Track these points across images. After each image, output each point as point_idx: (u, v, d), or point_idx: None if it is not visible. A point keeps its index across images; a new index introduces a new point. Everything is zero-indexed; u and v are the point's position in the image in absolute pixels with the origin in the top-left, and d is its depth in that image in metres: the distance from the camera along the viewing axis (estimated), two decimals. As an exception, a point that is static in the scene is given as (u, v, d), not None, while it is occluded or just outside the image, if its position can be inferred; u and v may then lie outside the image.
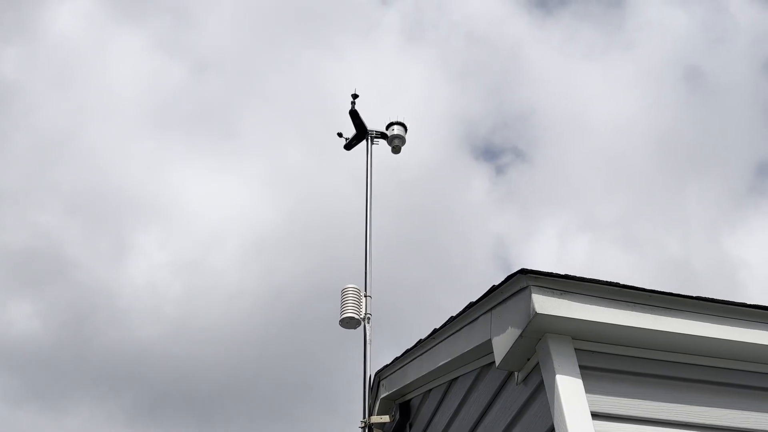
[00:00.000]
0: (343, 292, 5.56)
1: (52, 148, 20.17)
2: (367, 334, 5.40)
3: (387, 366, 4.64)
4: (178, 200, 20.34)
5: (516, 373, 3.04)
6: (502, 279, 3.03)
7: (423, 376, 4.02)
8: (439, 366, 3.75)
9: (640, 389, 2.86)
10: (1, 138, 19.55)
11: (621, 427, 2.71)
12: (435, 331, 3.83)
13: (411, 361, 4.22)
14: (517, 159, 22.67)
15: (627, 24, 22.80)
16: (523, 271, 2.84)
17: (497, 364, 3.00)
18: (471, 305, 3.35)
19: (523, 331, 2.82)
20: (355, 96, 6.93)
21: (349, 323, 5.44)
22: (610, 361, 2.90)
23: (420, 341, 4.06)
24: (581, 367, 2.78)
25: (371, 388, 4.97)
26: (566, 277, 2.86)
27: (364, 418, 4.85)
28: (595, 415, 2.66)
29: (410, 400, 4.53)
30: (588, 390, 2.72)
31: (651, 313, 2.91)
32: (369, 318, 5.47)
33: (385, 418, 4.70)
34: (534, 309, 2.74)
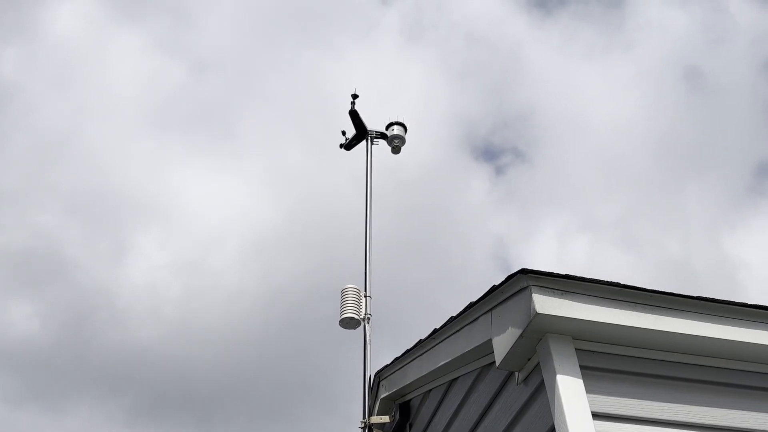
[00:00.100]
0: (343, 292, 5.56)
1: (52, 148, 20.18)
2: (367, 334, 5.40)
3: (387, 366, 4.64)
4: (177, 200, 20.35)
5: (516, 373, 3.04)
6: (503, 279, 3.03)
7: (423, 376, 4.02)
8: (439, 366, 3.74)
9: (641, 389, 2.86)
10: (1, 138, 19.56)
11: (621, 427, 2.71)
12: (435, 331, 3.82)
13: (411, 361, 4.21)
14: (517, 159, 22.68)
15: (627, 24, 22.81)
16: (524, 271, 2.84)
17: (498, 364, 3.00)
18: (471, 305, 3.34)
19: (523, 331, 2.81)
20: (354, 96, 6.93)
21: (349, 323, 5.44)
22: (611, 361, 2.89)
23: (420, 341, 4.05)
24: (582, 367, 2.78)
25: (371, 389, 4.96)
26: (567, 277, 2.85)
27: (364, 418, 4.85)
28: (596, 415, 2.65)
29: (410, 400, 4.53)
30: (589, 390, 2.71)
31: (652, 313, 2.91)
32: (369, 318, 5.47)
33: (385, 419, 4.70)
34: (534, 309, 2.73)
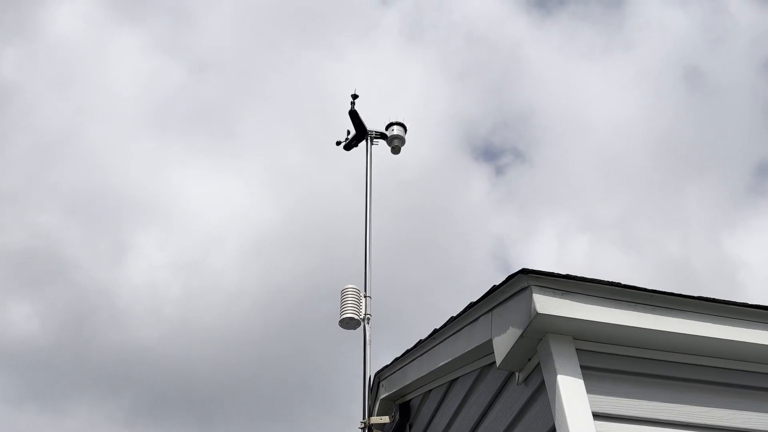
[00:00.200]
0: (343, 292, 5.56)
1: (52, 148, 20.18)
2: (367, 334, 5.40)
3: (387, 366, 4.64)
4: (177, 200, 20.34)
5: (517, 374, 3.03)
6: (503, 279, 3.02)
7: (423, 376, 4.01)
8: (440, 366, 3.74)
9: (642, 389, 2.86)
10: (1, 138, 19.56)
11: (622, 427, 2.71)
12: (435, 331, 3.82)
13: (411, 361, 4.21)
14: (517, 159, 22.67)
15: (626, 24, 22.81)
16: (524, 271, 2.83)
17: (498, 364, 3.00)
18: (471, 305, 3.34)
19: (524, 332, 2.81)
20: (354, 96, 6.94)
21: (348, 324, 5.44)
22: (612, 362, 2.89)
23: (420, 341, 4.05)
24: (582, 367, 2.77)
25: (371, 389, 4.96)
26: (567, 277, 2.85)
27: (364, 418, 4.85)
28: (597, 416, 2.65)
29: (410, 400, 4.52)
30: (589, 390, 2.71)
31: (652, 313, 2.90)
32: (369, 318, 5.47)
33: (385, 419, 4.70)
34: (535, 309, 2.73)
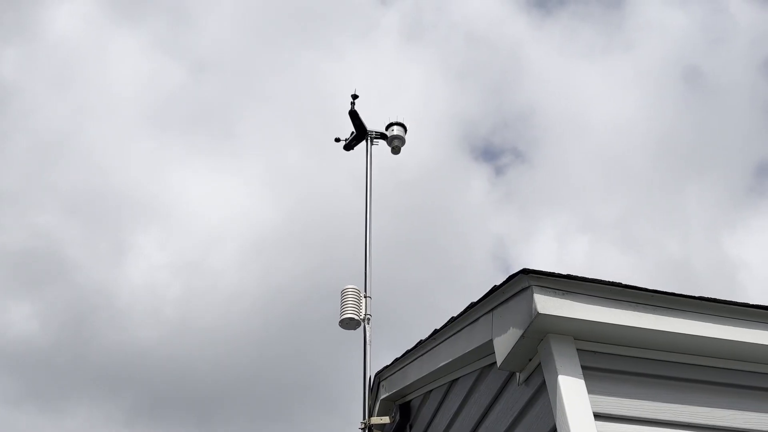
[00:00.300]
0: (343, 292, 5.56)
1: (52, 148, 20.17)
2: (367, 334, 5.39)
3: (387, 367, 4.63)
4: (177, 200, 20.34)
5: (518, 374, 3.03)
6: (504, 279, 3.02)
7: (423, 376, 4.01)
8: (440, 367, 3.74)
9: (642, 390, 2.86)
10: (1, 138, 19.55)
11: (623, 427, 2.71)
12: (435, 331, 3.82)
13: (411, 361, 4.21)
14: (517, 159, 22.67)
15: (626, 24, 22.81)
16: (525, 271, 2.83)
17: (499, 364, 2.99)
18: (472, 305, 3.34)
19: (524, 332, 2.81)
20: (354, 96, 6.93)
21: (348, 324, 5.43)
22: (612, 362, 2.89)
23: (420, 342, 4.05)
24: (583, 367, 2.77)
25: (371, 389, 4.96)
26: (568, 277, 2.85)
27: (364, 419, 4.84)
28: (598, 416, 2.65)
29: (410, 401, 4.52)
30: (590, 390, 2.71)
31: (653, 314, 2.90)
32: (369, 319, 5.47)
33: (386, 419, 4.69)
34: (536, 309, 2.73)
